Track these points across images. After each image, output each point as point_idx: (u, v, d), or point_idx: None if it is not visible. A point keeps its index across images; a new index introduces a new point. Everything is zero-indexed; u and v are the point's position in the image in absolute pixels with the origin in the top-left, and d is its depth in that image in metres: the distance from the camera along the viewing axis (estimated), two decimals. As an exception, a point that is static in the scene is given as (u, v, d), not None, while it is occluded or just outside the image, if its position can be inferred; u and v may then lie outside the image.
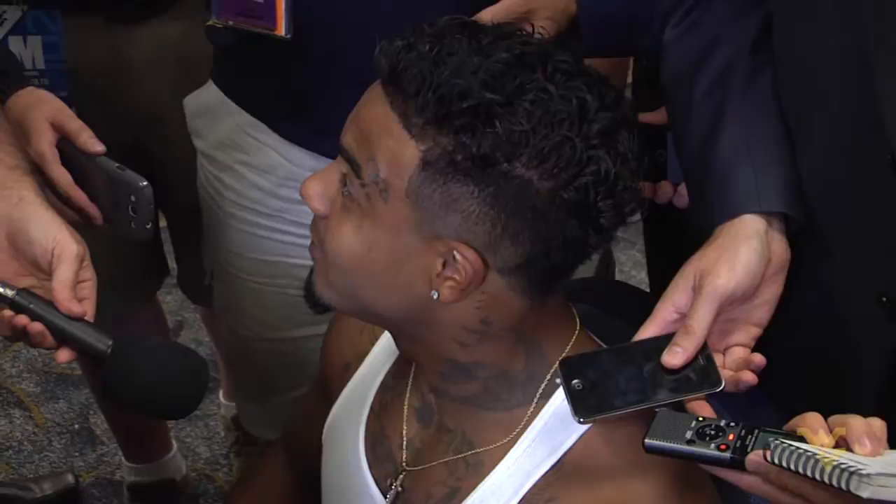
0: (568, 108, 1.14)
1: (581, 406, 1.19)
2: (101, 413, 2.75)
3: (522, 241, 1.17)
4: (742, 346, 1.26)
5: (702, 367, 1.21)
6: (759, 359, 1.24)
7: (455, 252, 1.17)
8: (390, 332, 1.31)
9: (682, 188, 1.62)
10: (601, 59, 1.36)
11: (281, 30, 1.59)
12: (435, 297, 1.19)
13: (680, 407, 1.20)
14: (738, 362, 1.25)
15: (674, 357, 1.21)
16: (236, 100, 1.79)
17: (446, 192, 1.15)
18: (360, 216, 1.19)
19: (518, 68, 1.15)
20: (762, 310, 1.27)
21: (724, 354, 1.26)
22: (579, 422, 1.19)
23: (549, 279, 1.22)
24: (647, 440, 1.13)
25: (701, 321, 1.22)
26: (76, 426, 2.84)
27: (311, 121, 1.71)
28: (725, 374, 1.22)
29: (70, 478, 2.65)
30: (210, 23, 1.66)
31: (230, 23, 1.63)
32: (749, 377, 1.22)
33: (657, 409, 1.17)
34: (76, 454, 2.77)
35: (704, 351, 1.22)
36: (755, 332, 1.27)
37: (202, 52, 1.85)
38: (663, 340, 1.22)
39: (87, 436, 2.82)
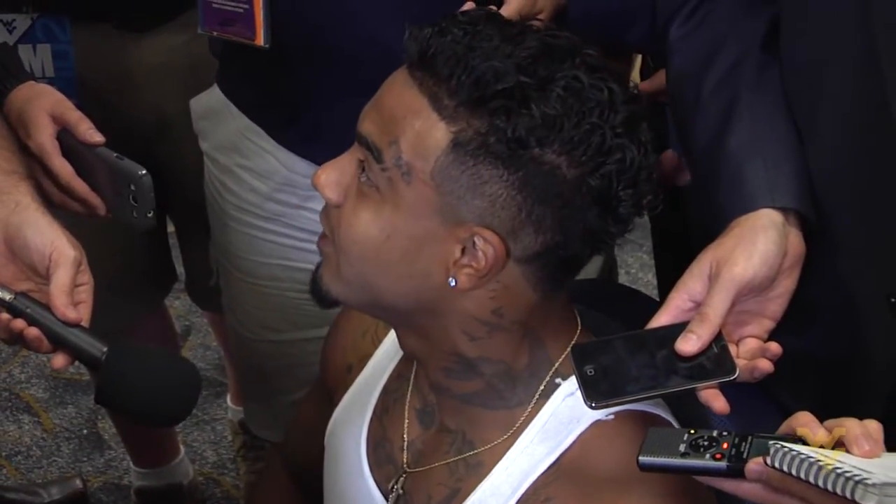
0: (598, 97, 1.16)
1: (593, 392, 1.18)
2: (109, 418, 2.76)
3: (545, 228, 1.18)
4: (755, 338, 1.25)
5: (716, 356, 1.20)
6: (775, 347, 1.22)
7: (476, 238, 1.17)
8: (396, 327, 1.31)
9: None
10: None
11: (260, 39, 1.61)
12: (452, 284, 1.19)
13: (692, 395, 1.19)
14: (752, 351, 1.23)
15: (688, 344, 1.19)
16: (237, 104, 1.81)
17: (475, 175, 1.16)
18: (380, 202, 1.19)
19: (548, 57, 1.17)
20: (776, 303, 1.25)
21: (737, 345, 1.24)
22: (591, 407, 1.18)
23: (561, 272, 1.22)
24: (640, 457, 1.11)
25: (717, 308, 1.21)
26: (84, 431, 2.85)
27: (303, 128, 1.72)
28: (740, 362, 1.20)
29: (78, 482, 2.65)
30: (199, 32, 1.70)
31: (214, 33, 1.66)
32: (765, 365, 1.20)
33: (648, 427, 1.16)
34: (84, 459, 2.78)
35: (719, 340, 1.20)
36: (769, 324, 1.25)
37: (210, 59, 1.86)
38: (677, 328, 1.21)
39: (96, 441, 2.82)
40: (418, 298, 1.22)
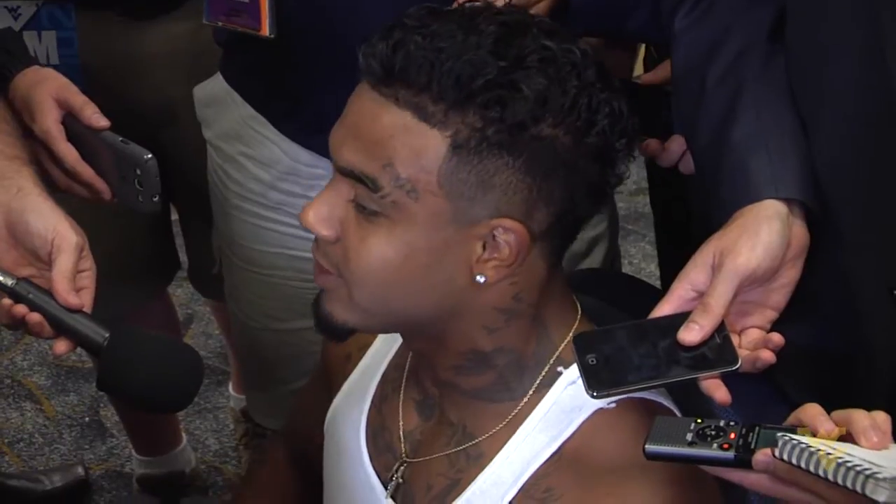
0: (572, 59, 1.17)
1: (594, 381, 1.18)
2: (111, 406, 2.77)
3: (555, 200, 1.18)
4: (758, 329, 1.25)
5: (718, 346, 1.19)
6: (777, 338, 1.22)
7: (496, 230, 1.17)
8: (408, 336, 1.30)
9: None
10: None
11: (265, 30, 1.62)
12: (482, 281, 1.19)
13: (694, 385, 1.19)
14: (755, 342, 1.23)
15: (690, 333, 1.19)
16: (240, 92, 1.81)
17: (482, 171, 1.15)
18: (390, 226, 1.18)
19: (510, 35, 1.16)
20: (779, 293, 1.25)
21: (739, 336, 1.24)
22: (592, 396, 1.18)
23: (567, 236, 1.23)
24: (647, 446, 1.11)
25: (720, 299, 1.20)
26: (87, 419, 2.86)
27: (306, 119, 1.72)
28: (742, 353, 1.20)
29: (80, 470, 2.66)
30: (204, 22, 1.70)
31: (220, 23, 1.67)
32: (767, 356, 1.20)
33: (655, 416, 1.15)
34: (86, 447, 2.79)
35: (721, 330, 1.20)
36: (771, 315, 1.25)
37: (214, 46, 1.86)
38: (679, 318, 1.21)
39: (98, 428, 2.83)
40: (440, 305, 1.21)
